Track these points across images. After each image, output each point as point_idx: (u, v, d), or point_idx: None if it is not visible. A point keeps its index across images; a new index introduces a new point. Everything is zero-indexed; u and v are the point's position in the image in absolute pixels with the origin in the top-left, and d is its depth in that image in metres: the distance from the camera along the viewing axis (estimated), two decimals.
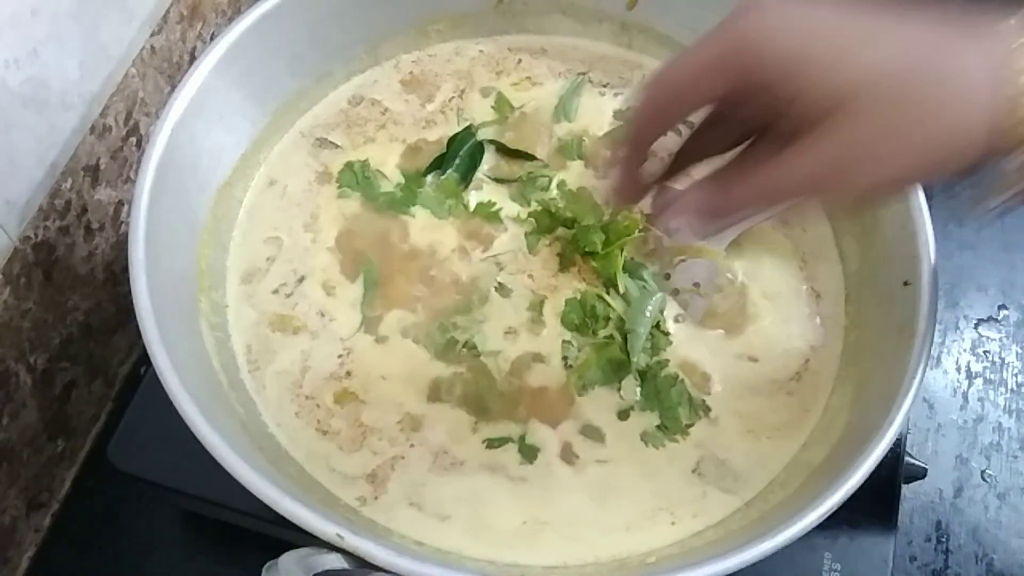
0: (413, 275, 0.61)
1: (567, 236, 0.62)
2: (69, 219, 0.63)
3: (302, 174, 0.66)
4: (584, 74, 0.70)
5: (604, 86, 0.70)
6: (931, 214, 0.57)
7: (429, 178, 0.65)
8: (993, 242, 0.84)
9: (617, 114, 0.68)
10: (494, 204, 0.64)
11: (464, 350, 0.59)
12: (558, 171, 0.66)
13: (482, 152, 0.66)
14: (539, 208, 0.63)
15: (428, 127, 0.68)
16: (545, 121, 0.68)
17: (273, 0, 0.61)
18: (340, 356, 0.59)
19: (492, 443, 0.56)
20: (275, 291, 0.61)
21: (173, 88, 0.58)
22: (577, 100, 0.69)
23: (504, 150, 0.66)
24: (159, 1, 0.68)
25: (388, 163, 0.66)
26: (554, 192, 0.65)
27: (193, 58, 0.71)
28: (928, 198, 0.57)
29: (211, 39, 0.71)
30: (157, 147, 0.56)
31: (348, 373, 0.59)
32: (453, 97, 0.69)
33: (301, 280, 0.62)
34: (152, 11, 0.67)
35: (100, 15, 0.61)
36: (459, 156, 0.65)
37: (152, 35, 0.67)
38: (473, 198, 0.64)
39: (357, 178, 0.65)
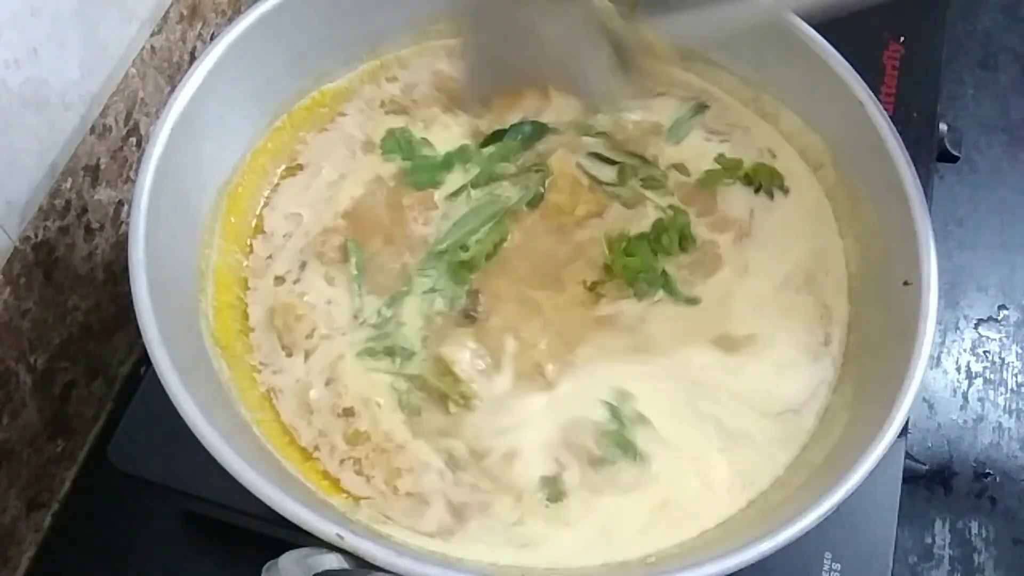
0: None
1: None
2: (69, 219, 0.63)
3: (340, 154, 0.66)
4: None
5: None
6: (931, 214, 0.57)
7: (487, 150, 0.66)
8: (993, 242, 0.84)
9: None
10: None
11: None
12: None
13: (542, 133, 0.66)
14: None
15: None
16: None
17: (273, 0, 0.61)
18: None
19: None
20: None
21: (173, 88, 0.58)
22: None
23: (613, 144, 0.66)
24: (159, 1, 0.68)
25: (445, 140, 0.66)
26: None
27: (193, 58, 0.71)
28: (928, 198, 0.57)
29: (211, 39, 0.71)
30: (157, 147, 0.56)
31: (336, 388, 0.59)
32: None
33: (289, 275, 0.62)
34: (152, 11, 0.67)
35: (100, 15, 0.61)
36: (521, 132, 0.66)
37: (152, 35, 0.67)
38: None
39: (399, 143, 0.65)
